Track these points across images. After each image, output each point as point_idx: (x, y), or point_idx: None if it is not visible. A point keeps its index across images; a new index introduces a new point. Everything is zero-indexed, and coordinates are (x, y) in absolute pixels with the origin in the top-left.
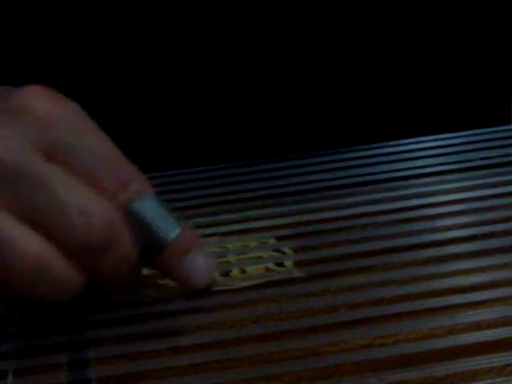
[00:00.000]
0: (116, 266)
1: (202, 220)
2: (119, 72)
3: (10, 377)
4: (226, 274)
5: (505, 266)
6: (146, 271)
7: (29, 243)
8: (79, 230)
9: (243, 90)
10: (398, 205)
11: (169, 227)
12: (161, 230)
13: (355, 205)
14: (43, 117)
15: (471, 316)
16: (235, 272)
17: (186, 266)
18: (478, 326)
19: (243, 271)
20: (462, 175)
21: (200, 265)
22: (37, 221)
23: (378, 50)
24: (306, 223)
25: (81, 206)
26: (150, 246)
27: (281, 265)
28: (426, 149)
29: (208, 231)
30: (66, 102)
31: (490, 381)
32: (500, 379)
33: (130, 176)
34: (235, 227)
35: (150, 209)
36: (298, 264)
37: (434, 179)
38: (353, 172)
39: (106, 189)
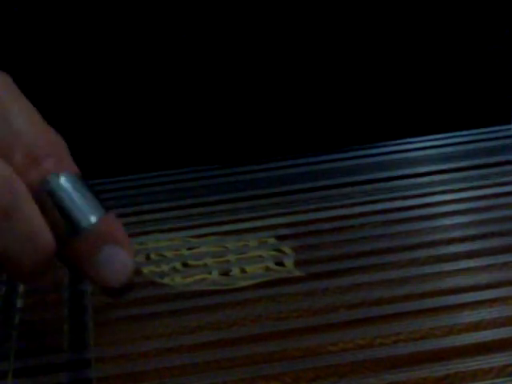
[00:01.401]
0: (20, 247)
1: (201, 219)
2: (117, 72)
3: (10, 377)
4: (226, 274)
5: (504, 265)
6: (147, 270)
7: None
8: None
9: (243, 91)
10: (398, 204)
11: (86, 212)
12: (75, 214)
13: (355, 204)
14: None
15: (471, 316)
16: (235, 271)
17: (99, 259)
18: (478, 326)
19: (243, 270)
20: (461, 175)
21: (117, 259)
22: None
23: (377, 50)
24: (306, 223)
25: None
26: (62, 231)
27: (281, 264)
28: (425, 148)
29: (208, 230)
30: None
31: (489, 381)
32: (500, 379)
33: (48, 152)
34: (235, 226)
35: (66, 189)
36: (297, 263)
37: (434, 179)
38: (352, 171)
39: (17, 161)
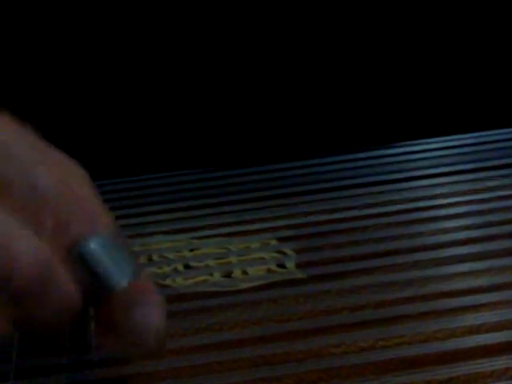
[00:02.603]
0: (47, 316)
1: (203, 221)
2: (119, 74)
3: (12, 378)
4: (228, 275)
5: (507, 268)
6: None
7: None
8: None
9: (246, 93)
10: (400, 207)
11: (117, 274)
12: (106, 277)
13: (357, 206)
14: None
15: (473, 319)
16: (237, 273)
17: (131, 320)
18: (480, 329)
19: (245, 272)
20: (464, 177)
21: (149, 321)
22: None
23: (379, 53)
24: (308, 225)
25: (4, 242)
26: (96, 292)
27: (282, 266)
28: (429, 150)
29: (210, 232)
30: (17, 129)
31: None
32: (501, 383)
33: (76, 215)
34: (237, 228)
35: (97, 253)
36: (299, 265)
37: (437, 181)
38: (354, 174)
39: (46, 230)
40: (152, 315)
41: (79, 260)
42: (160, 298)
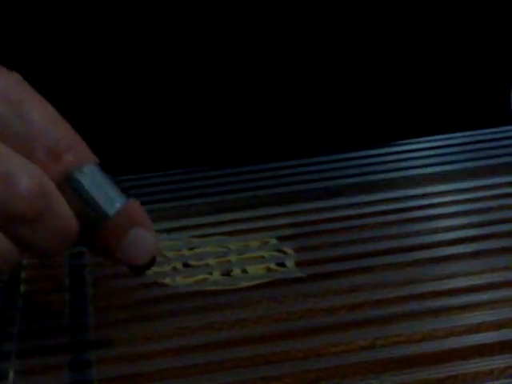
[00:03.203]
0: (50, 239)
1: (203, 219)
2: (119, 72)
3: (11, 377)
4: (228, 274)
5: (505, 267)
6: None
7: None
8: (2, 198)
9: (246, 92)
10: (398, 205)
11: (110, 200)
12: (101, 203)
13: (355, 205)
14: None
15: (472, 318)
16: (236, 272)
17: (127, 241)
18: (479, 328)
19: (244, 271)
20: (461, 176)
21: (142, 240)
22: None
23: (377, 51)
24: (307, 223)
25: (5, 171)
26: (90, 219)
27: (282, 265)
28: (425, 149)
29: (209, 231)
30: (7, 74)
31: (490, 383)
32: (501, 381)
33: (68, 145)
34: (236, 227)
35: (90, 180)
36: (299, 264)
37: (434, 180)
38: (352, 172)
39: (41, 160)
40: (143, 235)
41: (73, 188)
42: (149, 219)
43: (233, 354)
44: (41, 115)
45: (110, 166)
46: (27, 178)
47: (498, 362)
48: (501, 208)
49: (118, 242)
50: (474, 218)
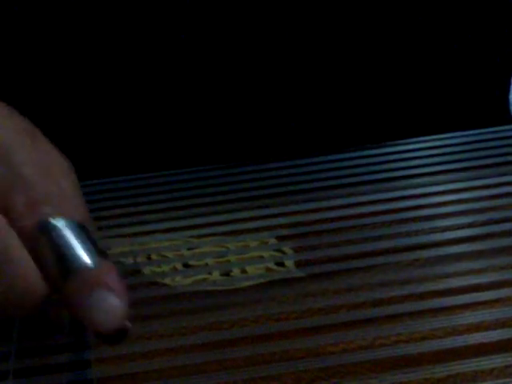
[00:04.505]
0: (11, 295)
1: (202, 220)
2: (117, 72)
3: (11, 377)
4: (227, 274)
5: (505, 266)
6: (147, 270)
7: None
8: None
9: (242, 91)
10: (397, 205)
11: (80, 256)
12: (69, 257)
13: (354, 205)
14: None
15: (472, 317)
16: (235, 272)
17: (89, 302)
18: (479, 327)
19: (244, 271)
20: (461, 175)
21: (106, 304)
22: None
23: (375, 50)
24: (307, 223)
25: None
26: (57, 271)
27: (281, 265)
28: (424, 149)
29: (208, 231)
30: (7, 114)
31: (490, 382)
32: (501, 380)
33: (50, 199)
34: (235, 227)
35: (62, 233)
36: (298, 264)
37: (433, 179)
38: (352, 172)
39: (16, 210)
40: (109, 301)
41: (45, 239)
42: (122, 285)
43: (232, 354)
44: (24, 158)
45: (110, 166)
46: None
47: (498, 360)
48: (501, 207)
49: (81, 303)
50: (474, 218)
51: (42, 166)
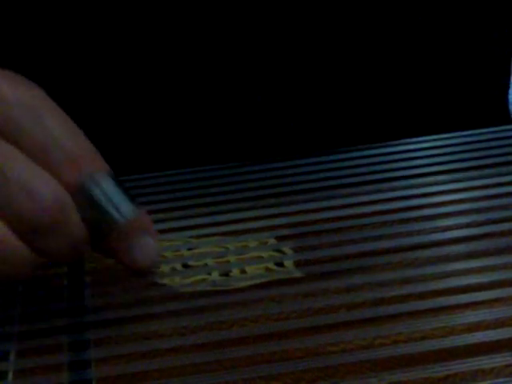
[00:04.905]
0: (63, 246)
1: (201, 220)
2: (118, 72)
3: (11, 377)
4: (226, 274)
5: (505, 266)
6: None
7: None
8: (26, 211)
9: (244, 92)
10: (397, 205)
11: (121, 208)
12: (111, 211)
13: (354, 205)
14: (2, 98)
15: (471, 316)
16: (235, 272)
17: (134, 248)
18: (479, 327)
19: (243, 271)
20: (460, 175)
21: (147, 247)
22: None
23: (375, 50)
24: (306, 223)
25: (28, 186)
26: (100, 225)
27: (281, 265)
28: (424, 149)
29: (208, 231)
30: (31, 87)
31: (490, 381)
32: (501, 380)
33: (82, 155)
34: (235, 227)
35: (101, 189)
36: (297, 264)
37: (433, 179)
38: (352, 172)
39: (56, 168)
40: (151, 241)
41: (85, 196)
42: (155, 231)
43: (232, 354)
44: (59, 123)
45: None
46: (49, 193)
47: (497, 360)
48: (500, 207)
49: (126, 249)
50: (474, 218)
51: (70, 127)
